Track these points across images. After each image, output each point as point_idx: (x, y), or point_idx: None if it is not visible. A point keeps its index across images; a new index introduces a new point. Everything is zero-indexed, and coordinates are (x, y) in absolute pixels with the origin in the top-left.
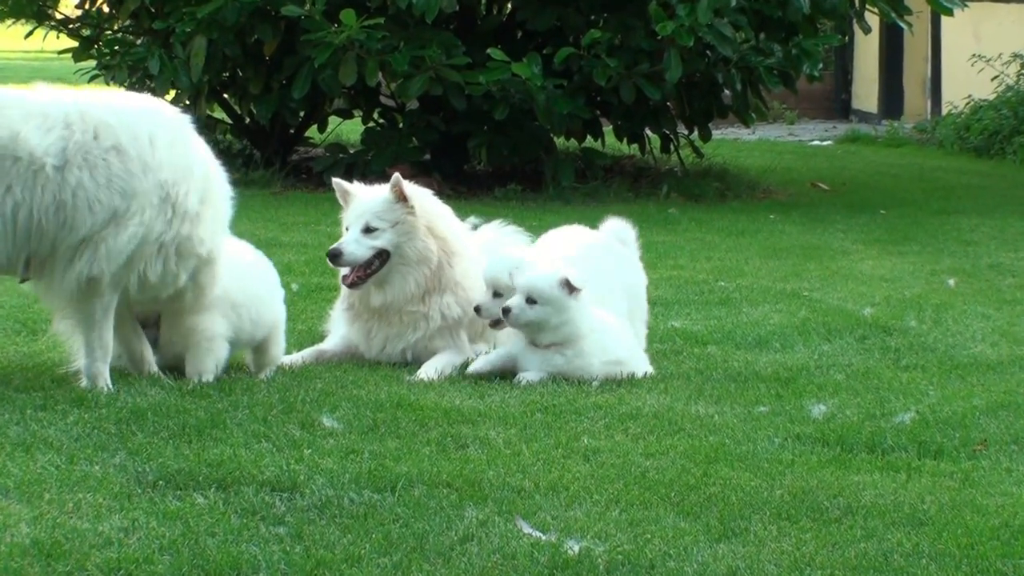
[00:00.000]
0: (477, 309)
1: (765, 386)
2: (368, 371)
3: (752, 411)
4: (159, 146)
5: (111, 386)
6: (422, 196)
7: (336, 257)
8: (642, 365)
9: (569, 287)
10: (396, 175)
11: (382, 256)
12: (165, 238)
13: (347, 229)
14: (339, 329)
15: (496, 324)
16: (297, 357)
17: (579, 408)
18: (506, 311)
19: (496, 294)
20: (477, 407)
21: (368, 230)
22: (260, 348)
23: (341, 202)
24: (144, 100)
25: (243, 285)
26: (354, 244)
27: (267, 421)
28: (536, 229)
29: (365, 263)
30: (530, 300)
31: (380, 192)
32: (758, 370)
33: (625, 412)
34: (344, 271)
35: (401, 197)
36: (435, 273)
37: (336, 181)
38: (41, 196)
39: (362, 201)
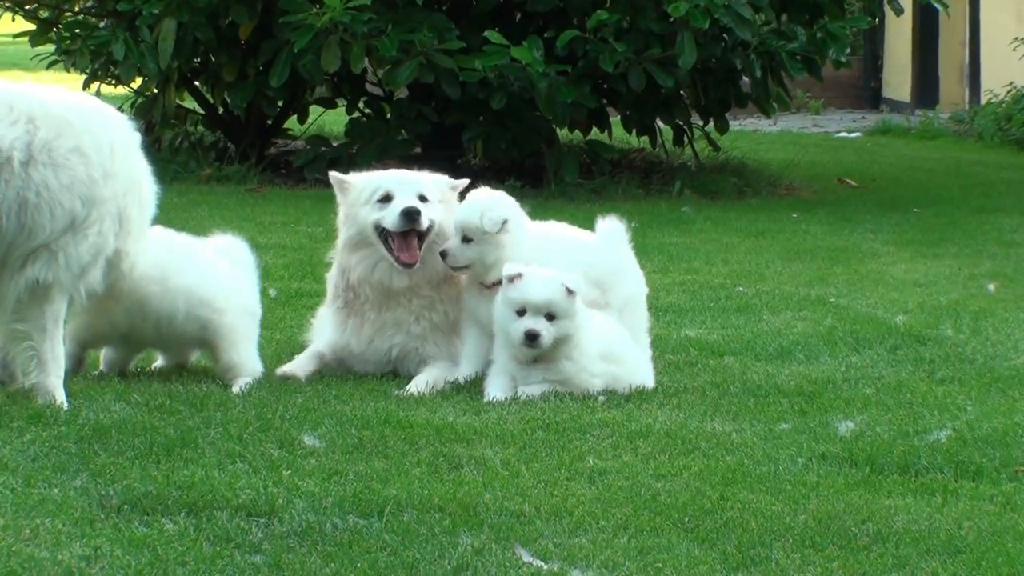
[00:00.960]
0: (443, 253)
1: (787, 401)
2: (353, 385)
3: (773, 428)
4: (118, 153)
5: (67, 402)
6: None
7: (416, 215)
8: (642, 372)
9: (568, 292)
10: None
11: (429, 230)
12: (110, 250)
13: (380, 201)
14: (325, 334)
15: (459, 270)
16: (297, 367)
17: (584, 425)
18: (535, 336)
19: (465, 239)
20: (472, 424)
21: (423, 199)
22: (211, 352)
23: (341, 193)
24: (97, 102)
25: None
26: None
27: (242, 439)
28: None
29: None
30: (550, 316)
31: (419, 173)
32: (780, 383)
33: (634, 430)
34: (402, 254)
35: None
36: None
37: (334, 175)
38: (4, 191)
39: (404, 174)
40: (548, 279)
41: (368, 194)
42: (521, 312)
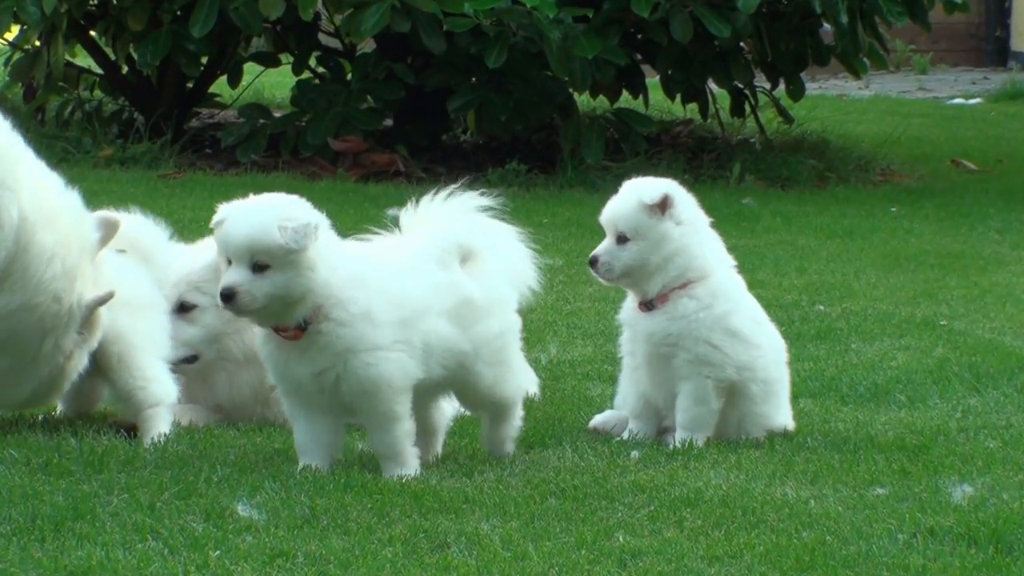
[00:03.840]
0: (593, 261)
1: (884, 458)
2: None
3: (865, 494)
4: None
5: None
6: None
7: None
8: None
9: (662, 206)
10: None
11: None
12: None
13: None
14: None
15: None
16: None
17: (611, 491)
18: (594, 261)
19: (622, 239)
20: (462, 489)
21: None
22: (107, 375)
23: None
24: None
25: None
26: None
27: (155, 510)
28: (549, 228)
29: None
30: (621, 238)
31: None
32: (873, 435)
33: (679, 496)
34: None
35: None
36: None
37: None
38: None
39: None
40: (622, 191)
41: None
42: None
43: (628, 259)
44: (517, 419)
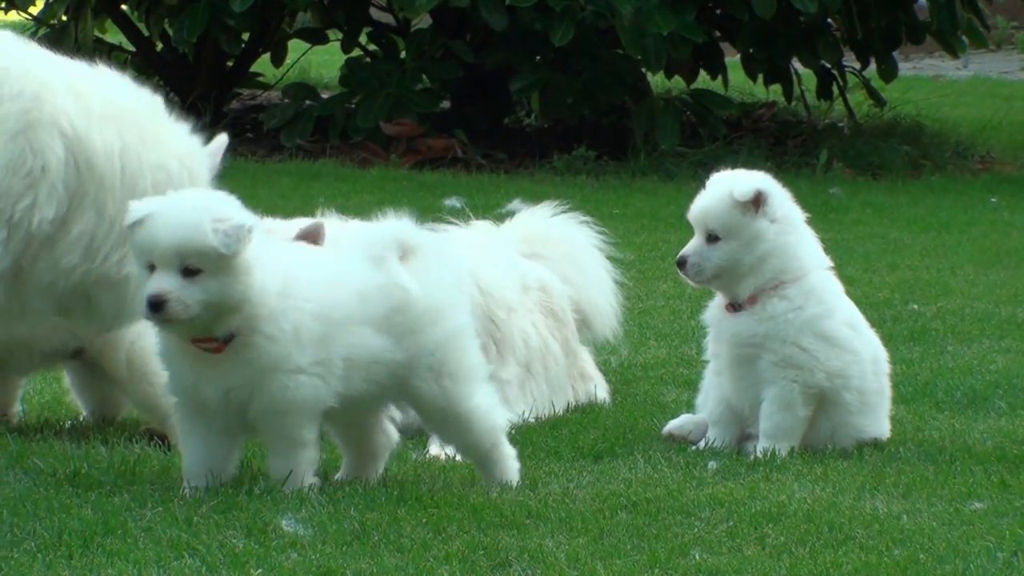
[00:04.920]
0: (681, 262)
1: (982, 469)
2: None
3: (962, 509)
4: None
5: None
6: None
7: None
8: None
9: (755, 203)
10: None
11: None
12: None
13: None
14: None
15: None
16: None
17: (686, 504)
18: (682, 262)
19: (712, 238)
20: (525, 503)
21: None
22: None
23: None
24: None
25: None
26: None
27: (192, 524)
28: (620, 219)
29: None
30: (711, 237)
31: None
32: (971, 444)
33: (760, 510)
34: None
35: None
36: None
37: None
38: None
39: None
40: (711, 186)
41: None
42: None
43: (719, 260)
44: (501, 452)
